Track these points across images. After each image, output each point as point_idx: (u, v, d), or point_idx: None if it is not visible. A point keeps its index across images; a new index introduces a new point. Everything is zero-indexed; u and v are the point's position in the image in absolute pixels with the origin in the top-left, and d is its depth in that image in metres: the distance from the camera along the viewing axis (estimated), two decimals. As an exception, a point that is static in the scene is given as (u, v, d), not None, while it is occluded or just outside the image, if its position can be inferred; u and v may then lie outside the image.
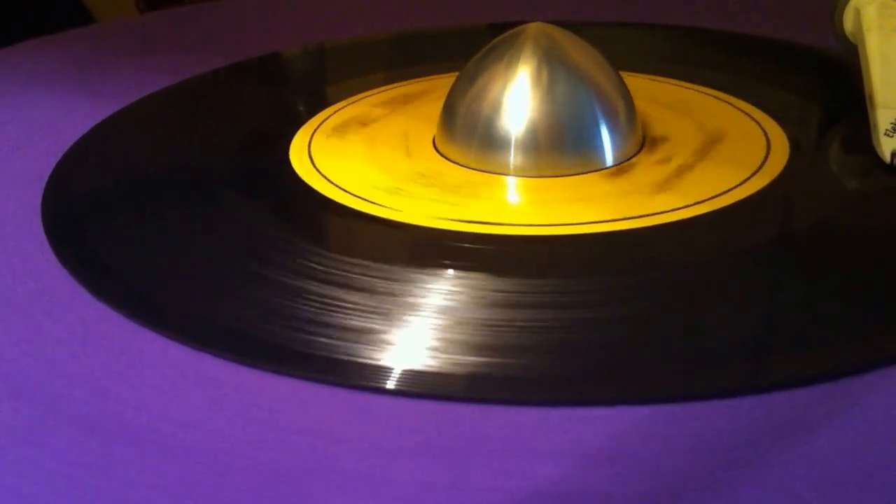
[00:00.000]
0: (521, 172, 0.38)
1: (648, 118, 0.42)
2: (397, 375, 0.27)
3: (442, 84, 0.42)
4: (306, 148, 0.41)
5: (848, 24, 0.47)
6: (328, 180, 0.38)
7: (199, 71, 0.53)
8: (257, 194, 0.38)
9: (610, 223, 0.34)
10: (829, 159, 0.41)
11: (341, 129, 0.44)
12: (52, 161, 0.42)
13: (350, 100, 0.47)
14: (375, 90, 0.48)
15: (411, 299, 0.30)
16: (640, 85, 0.46)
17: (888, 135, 0.38)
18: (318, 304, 0.30)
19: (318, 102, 0.48)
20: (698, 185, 0.37)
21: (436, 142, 0.41)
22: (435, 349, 0.28)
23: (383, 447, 0.24)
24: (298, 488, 0.23)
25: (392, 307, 0.30)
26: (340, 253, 0.33)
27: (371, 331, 0.28)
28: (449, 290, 0.31)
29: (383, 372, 0.27)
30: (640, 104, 0.41)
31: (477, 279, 0.31)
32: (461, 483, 0.23)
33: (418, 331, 0.29)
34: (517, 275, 0.32)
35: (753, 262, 0.33)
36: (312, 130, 0.43)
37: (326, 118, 0.45)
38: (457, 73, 0.41)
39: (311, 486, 0.23)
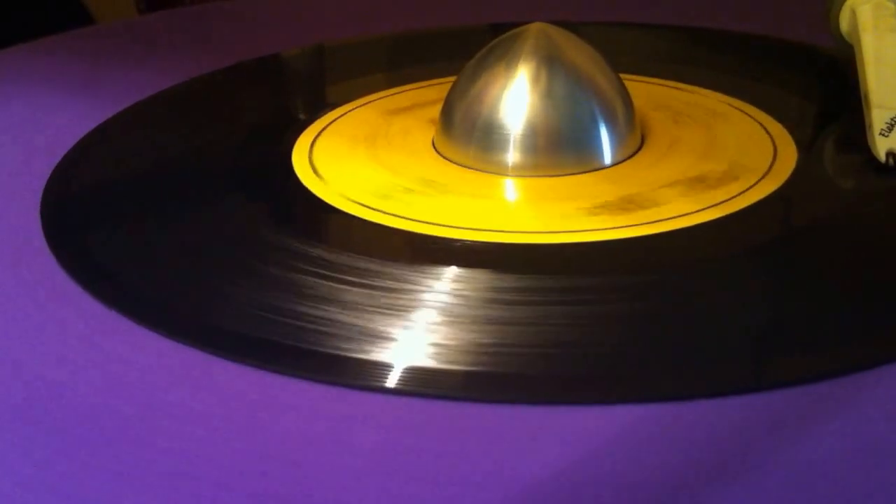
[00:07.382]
0: (520, 172, 0.38)
1: (647, 119, 0.43)
2: (397, 375, 0.27)
3: (442, 85, 0.42)
4: (306, 149, 0.42)
5: (844, 24, 0.47)
6: (327, 182, 0.38)
7: (199, 72, 0.53)
8: (257, 195, 0.38)
9: (608, 223, 0.34)
10: (835, 161, 0.41)
11: (340, 130, 0.44)
12: (53, 162, 0.42)
13: (349, 101, 0.47)
14: (375, 91, 0.48)
15: (411, 299, 0.30)
16: (640, 85, 0.46)
17: (883, 134, 0.38)
18: (318, 304, 0.30)
19: (317, 103, 0.48)
20: (697, 186, 0.37)
21: (435, 142, 0.41)
22: (434, 349, 0.28)
23: (384, 445, 0.24)
24: (299, 487, 0.23)
25: (391, 307, 0.30)
26: (340, 253, 0.33)
27: (371, 331, 0.29)
28: (448, 290, 0.31)
29: (384, 371, 0.27)
30: (640, 105, 0.41)
31: (476, 279, 0.31)
32: (461, 481, 0.23)
33: (418, 331, 0.29)
34: (516, 275, 0.32)
35: (753, 264, 0.33)
36: (312, 132, 0.44)
37: (326, 119, 0.45)
38: (457, 74, 0.41)
39: (313, 485, 0.23)
